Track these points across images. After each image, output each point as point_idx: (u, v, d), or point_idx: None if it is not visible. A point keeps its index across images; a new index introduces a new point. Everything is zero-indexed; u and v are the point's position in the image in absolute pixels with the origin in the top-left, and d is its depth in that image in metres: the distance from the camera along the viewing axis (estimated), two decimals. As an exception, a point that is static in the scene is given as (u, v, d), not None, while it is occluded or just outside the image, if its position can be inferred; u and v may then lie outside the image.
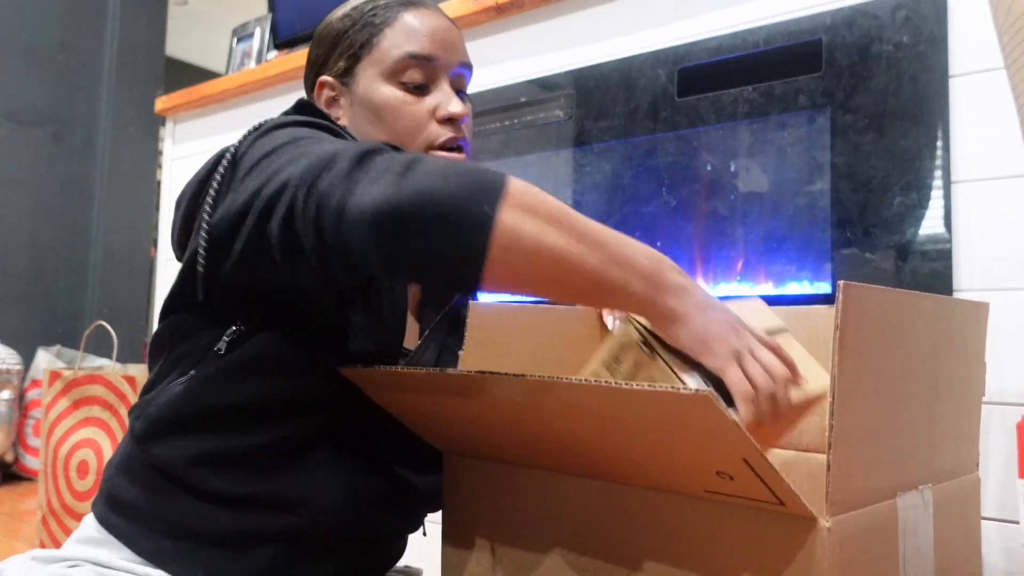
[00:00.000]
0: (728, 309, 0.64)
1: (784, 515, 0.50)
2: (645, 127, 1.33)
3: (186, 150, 2.20)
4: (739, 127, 1.24)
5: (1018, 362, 0.99)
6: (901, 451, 0.59)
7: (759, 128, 1.22)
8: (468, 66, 0.91)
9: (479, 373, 0.58)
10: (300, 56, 1.82)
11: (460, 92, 0.90)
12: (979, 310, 0.73)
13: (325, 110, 0.90)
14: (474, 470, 0.71)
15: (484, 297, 0.99)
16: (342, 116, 0.90)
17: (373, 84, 0.87)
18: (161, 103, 2.21)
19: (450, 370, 0.61)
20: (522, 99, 1.49)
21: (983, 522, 0.98)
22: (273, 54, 2.10)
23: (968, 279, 1.04)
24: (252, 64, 2.17)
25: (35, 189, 2.59)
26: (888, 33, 1.11)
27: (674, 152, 1.31)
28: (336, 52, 0.90)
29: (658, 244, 1.31)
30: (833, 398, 0.49)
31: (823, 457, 0.50)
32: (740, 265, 1.24)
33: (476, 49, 1.59)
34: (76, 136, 2.57)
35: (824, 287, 1.14)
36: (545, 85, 1.47)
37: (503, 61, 1.54)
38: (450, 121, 0.86)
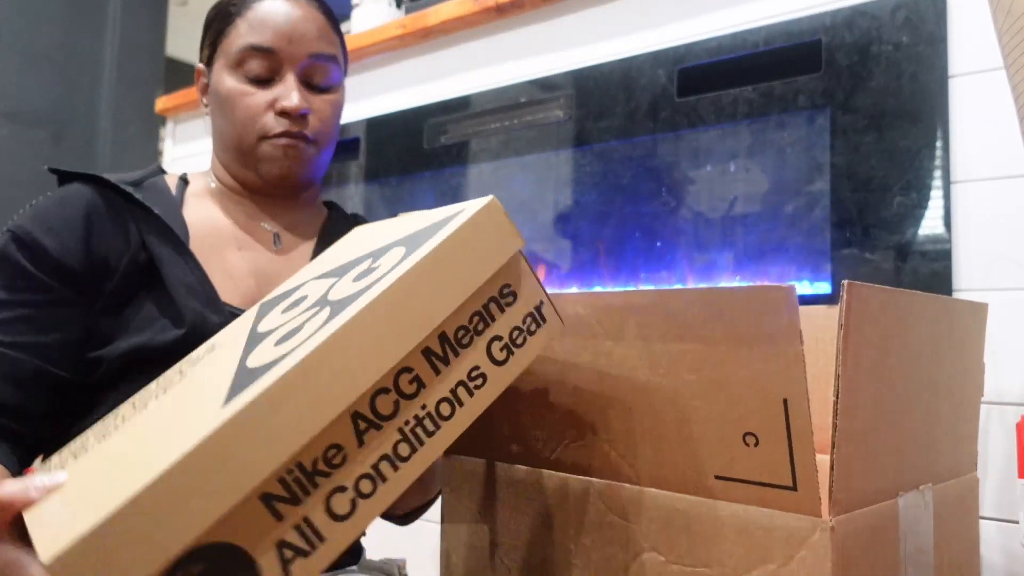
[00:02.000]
0: None
1: (787, 514, 0.50)
2: (645, 127, 1.33)
3: (186, 150, 2.20)
4: (739, 127, 1.24)
5: (1017, 362, 0.99)
6: (902, 451, 0.59)
7: (759, 128, 1.23)
8: (327, 57, 0.90)
9: None
10: (300, 56, 1.82)
11: (316, 85, 0.90)
12: (978, 310, 0.73)
13: (200, 96, 0.94)
14: (474, 470, 0.71)
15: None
16: (209, 104, 0.93)
17: (221, 75, 0.89)
18: (161, 103, 2.21)
19: None
20: (522, 99, 1.50)
21: (983, 522, 0.98)
22: (273, 54, 2.10)
23: (968, 279, 1.04)
24: (252, 64, 2.17)
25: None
26: (888, 33, 1.11)
27: (674, 152, 1.31)
28: (204, 41, 0.92)
29: (658, 244, 1.31)
30: (837, 397, 0.49)
31: (824, 457, 0.50)
32: (738, 264, 1.24)
33: (476, 49, 1.59)
34: (76, 136, 2.56)
35: (824, 287, 1.14)
36: (545, 85, 1.47)
37: (503, 61, 1.54)
38: (286, 114, 0.86)
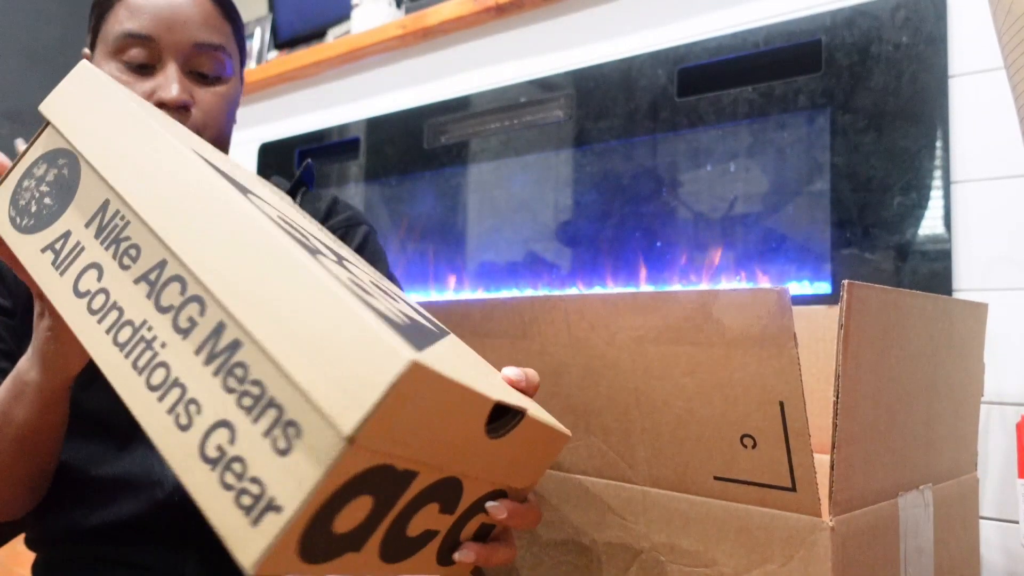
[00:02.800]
0: None
1: (787, 514, 0.50)
2: (645, 127, 1.33)
3: (186, 150, 2.20)
4: (739, 127, 1.24)
5: (1017, 362, 0.99)
6: (902, 451, 0.59)
7: (759, 128, 1.23)
8: (213, 46, 0.83)
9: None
10: (300, 56, 1.82)
11: (204, 75, 0.83)
12: (978, 310, 0.73)
13: None
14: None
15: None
16: None
17: (100, 62, 0.83)
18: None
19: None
20: (522, 99, 1.49)
21: (983, 522, 0.98)
22: (273, 54, 2.10)
23: (967, 279, 1.04)
24: (252, 64, 2.17)
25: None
26: (888, 33, 1.11)
27: (674, 152, 1.31)
28: (89, 26, 0.87)
29: (658, 244, 1.31)
30: (837, 397, 0.49)
31: (824, 457, 0.50)
32: (738, 264, 1.24)
33: (476, 49, 1.59)
34: (75, 136, 2.56)
35: (824, 287, 1.14)
36: (545, 85, 1.47)
37: (503, 61, 1.54)
38: (164, 106, 0.79)
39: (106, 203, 0.47)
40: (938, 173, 1.06)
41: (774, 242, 1.20)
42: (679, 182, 1.30)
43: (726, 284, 1.25)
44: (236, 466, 0.36)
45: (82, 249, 0.47)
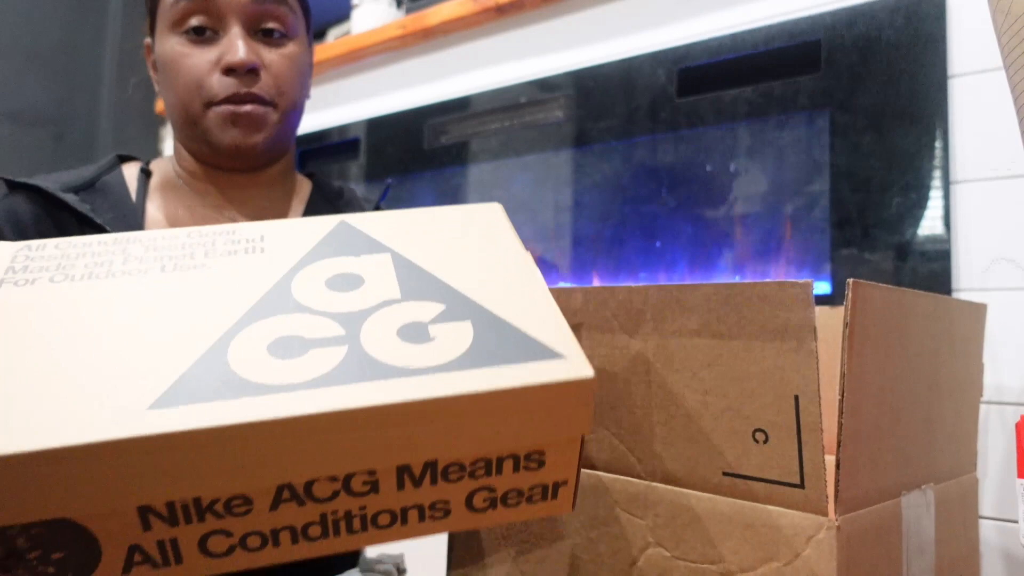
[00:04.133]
0: None
1: (794, 512, 0.51)
2: (645, 127, 1.33)
3: (185, 150, 2.20)
4: (739, 127, 1.25)
5: (1017, 362, 1.00)
6: (904, 450, 0.60)
7: (759, 128, 1.23)
8: (275, 0, 0.76)
9: None
10: (299, 56, 1.82)
11: (270, 35, 0.78)
12: (978, 311, 0.73)
13: (152, 74, 0.83)
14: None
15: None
16: (156, 79, 0.81)
17: (162, 39, 0.78)
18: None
19: None
20: (522, 99, 1.50)
21: (982, 522, 0.98)
22: (272, 54, 2.10)
23: (967, 279, 1.04)
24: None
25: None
26: (887, 33, 1.12)
27: (674, 152, 1.31)
28: (146, 8, 0.81)
29: (657, 244, 1.31)
30: (842, 396, 0.50)
31: (830, 457, 0.50)
32: (738, 264, 1.24)
33: (476, 49, 1.59)
34: (77, 136, 2.56)
35: (824, 287, 1.15)
36: (545, 85, 1.47)
37: (503, 61, 1.54)
38: (232, 71, 0.75)
39: None
40: (938, 173, 1.06)
41: (774, 242, 1.20)
42: (679, 182, 1.30)
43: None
44: None
45: None
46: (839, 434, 0.50)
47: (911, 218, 1.08)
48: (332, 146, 1.81)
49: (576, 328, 0.61)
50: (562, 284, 1.39)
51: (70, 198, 0.76)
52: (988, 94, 1.05)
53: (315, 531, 0.43)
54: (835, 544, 0.49)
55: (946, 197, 1.05)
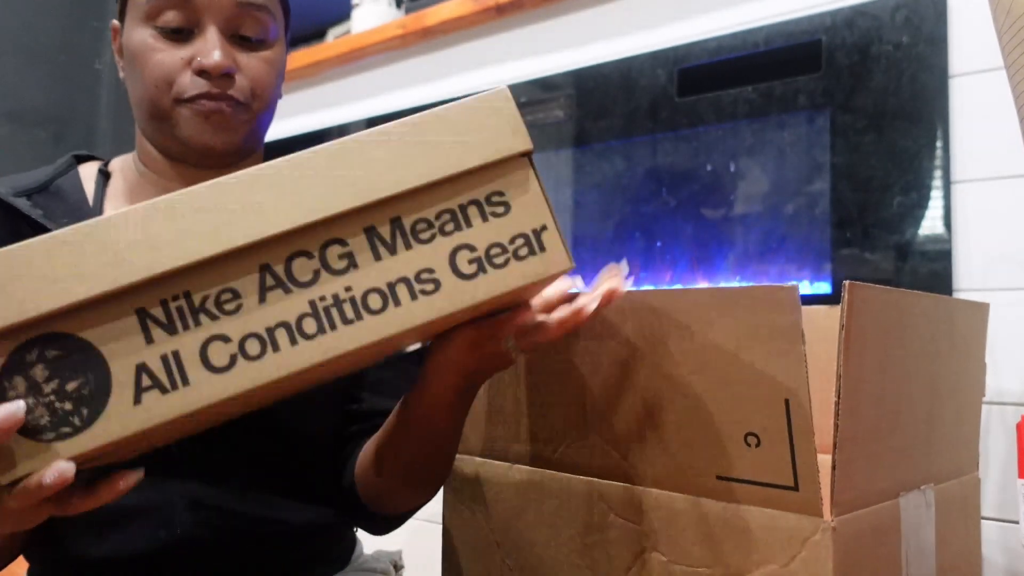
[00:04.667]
0: None
1: (789, 514, 0.50)
2: (645, 127, 1.33)
3: (185, 150, 2.20)
4: (739, 127, 1.24)
5: (1018, 362, 0.99)
6: (903, 451, 0.59)
7: (759, 128, 1.23)
8: (257, 6, 0.75)
9: None
10: (301, 56, 1.82)
11: (247, 39, 0.76)
12: (979, 310, 0.73)
13: (116, 57, 0.81)
14: (476, 470, 0.71)
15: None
16: (122, 65, 0.80)
17: (132, 28, 0.75)
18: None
19: None
20: (522, 99, 1.50)
21: (983, 522, 0.98)
22: (272, 54, 2.10)
23: (968, 279, 1.04)
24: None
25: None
26: (888, 33, 1.11)
27: (674, 152, 1.31)
28: None
29: (658, 244, 1.31)
30: (839, 398, 0.49)
31: (825, 458, 0.50)
32: (738, 264, 1.24)
33: (476, 49, 1.59)
34: (77, 136, 2.56)
35: (824, 287, 1.15)
36: (545, 85, 1.47)
37: (503, 61, 1.54)
38: (205, 73, 0.73)
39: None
40: (938, 173, 1.06)
41: (774, 242, 1.20)
42: (679, 182, 1.30)
43: (725, 284, 1.25)
44: None
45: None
46: (835, 435, 0.49)
47: (912, 218, 1.07)
48: (332, 146, 1.81)
49: None
50: (562, 284, 1.39)
51: (20, 203, 0.74)
52: (989, 94, 1.04)
53: (310, 325, 0.45)
54: (831, 545, 0.49)
55: (946, 197, 1.05)
